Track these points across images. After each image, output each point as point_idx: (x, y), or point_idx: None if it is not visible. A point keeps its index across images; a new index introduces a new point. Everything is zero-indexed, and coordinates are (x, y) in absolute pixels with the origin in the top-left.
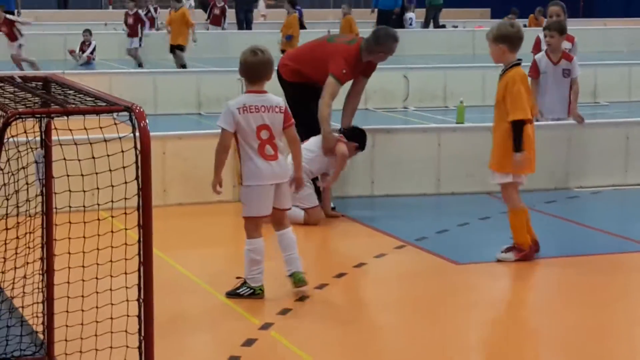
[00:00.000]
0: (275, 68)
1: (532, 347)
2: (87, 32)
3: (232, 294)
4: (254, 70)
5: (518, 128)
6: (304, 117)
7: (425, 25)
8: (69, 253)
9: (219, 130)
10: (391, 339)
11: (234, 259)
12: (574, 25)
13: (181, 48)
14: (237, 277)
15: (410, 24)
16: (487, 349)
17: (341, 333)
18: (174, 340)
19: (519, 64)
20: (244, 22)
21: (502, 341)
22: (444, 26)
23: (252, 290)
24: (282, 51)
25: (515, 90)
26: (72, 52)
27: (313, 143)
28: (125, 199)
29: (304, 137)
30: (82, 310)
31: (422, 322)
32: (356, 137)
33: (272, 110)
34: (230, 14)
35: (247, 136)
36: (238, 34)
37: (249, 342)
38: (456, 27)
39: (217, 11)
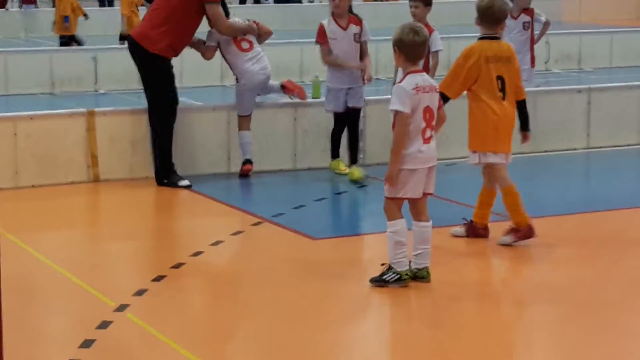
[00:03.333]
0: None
1: (383, 320)
2: None
3: (378, 281)
4: (418, 49)
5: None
6: (159, 96)
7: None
8: None
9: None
10: (248, 315)
11: (89, 241)
12: None
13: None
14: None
15: (267, 0)
16: (342, 321)
17: (198, 312)
18: (25, 326)
19: (482, 38)
20: None
21: (357, 312)
22: (300, 1)
23: (398, 276)
24: (62, 36)
25: (455, 65)
26: None
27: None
28: None
29: (162, 119)
30: None
31: (279, 297)
32: None
33: (432, 90)
34: None
35: (416, 117)
36: (91, 11)
37: (104, 325)
38: (312, 1)
39: None
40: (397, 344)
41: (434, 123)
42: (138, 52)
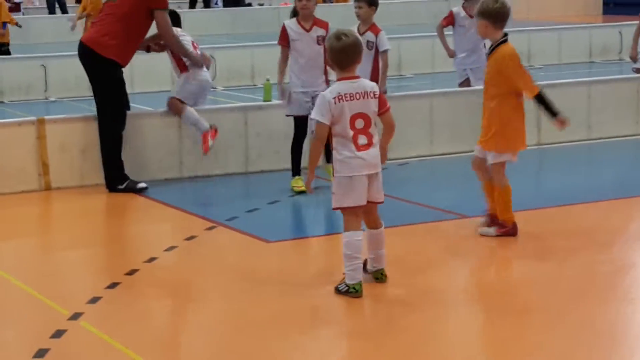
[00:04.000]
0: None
1: (343, 321)
2: None
3: (336, 289)
4: (342, 55)
5: (542, 99)
6: (109, 102)
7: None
8: None
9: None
10: (204, 321)
11: (41, 249)
12: None
13: None
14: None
15: (216, 4)
16: (297, 327)
17: (153, 319)
18: None
19: (505, 41)
20: (57, 5)
21: (312, 320)
22: (250, 4)
23: (347, 288)
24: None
25: (516, 68)
26: None
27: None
28: None
29: (114, 125)
30: None
31: (234, 303)
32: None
33: (367, 96)
34: None
35: (342, 126)
36: (41, 19)
37: (58, 334)
38: (262, 4)
39: None
40: (349, 353)
41: (370, 130)
42: (89, 57)
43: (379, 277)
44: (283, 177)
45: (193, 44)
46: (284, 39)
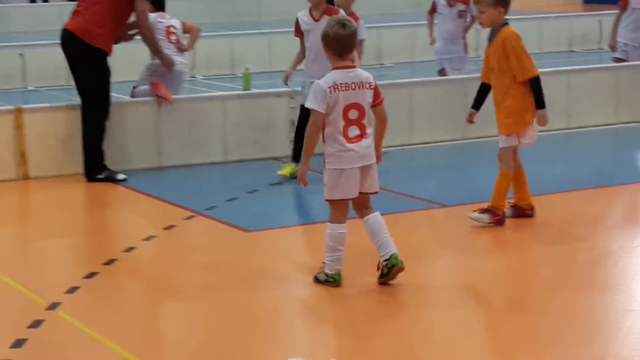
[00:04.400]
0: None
1: (317, 310)
2: None
3: (315, 278)
4: (344, 43)
5: (538, 84)
6: (97, 90)
7: None
8: None
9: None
10: (183, 311)
11: (19, 239)
12: None
13: None
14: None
15: None
16: (282, 315)
17: (132, 309)
18: None
19: (507, 23)
20: None
21: (293, 304)
22: None
23: (326, 277)
24: None
25: (520, 48)
26: None
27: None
28: None
29: (99, 114)
30: None
31: (214, 292)
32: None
33: (362, 86)
34: None
35: (334, 116)
36: (20, 7)
37: (35, 324)
38: None
39: None
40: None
41: (364, 121)
42: (77, 45)
43: (395, 263)
44: (262, 166)
45: (168, 29)
46: (298, 31)
